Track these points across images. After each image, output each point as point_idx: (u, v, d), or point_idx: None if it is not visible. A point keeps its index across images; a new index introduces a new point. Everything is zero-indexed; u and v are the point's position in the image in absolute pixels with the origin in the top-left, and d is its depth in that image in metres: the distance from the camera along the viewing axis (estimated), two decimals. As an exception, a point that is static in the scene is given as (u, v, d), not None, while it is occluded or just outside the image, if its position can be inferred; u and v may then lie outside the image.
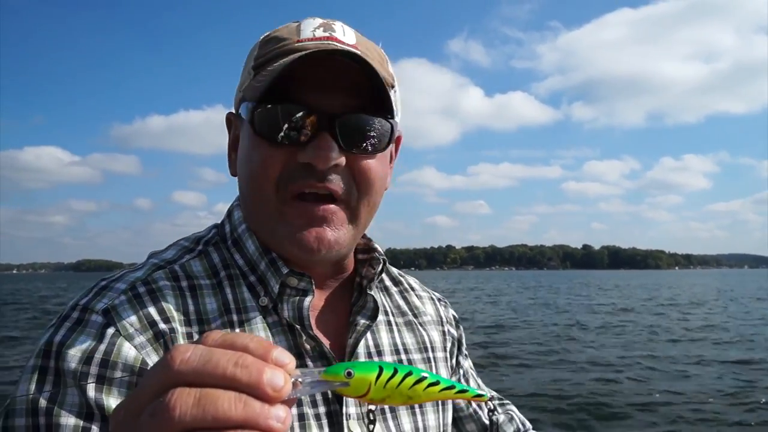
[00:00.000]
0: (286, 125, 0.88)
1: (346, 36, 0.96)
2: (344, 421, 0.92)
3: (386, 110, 0.92)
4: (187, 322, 0.87)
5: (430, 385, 0.57)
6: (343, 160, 0.90)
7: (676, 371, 10.94)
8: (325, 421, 0.91)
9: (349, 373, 0.54)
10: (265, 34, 1.00)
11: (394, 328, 1.09)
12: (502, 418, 1.24)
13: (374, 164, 0.94)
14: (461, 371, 1.25)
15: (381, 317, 1.06)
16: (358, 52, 0.90)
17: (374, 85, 0.90)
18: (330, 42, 0.93)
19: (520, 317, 22.47)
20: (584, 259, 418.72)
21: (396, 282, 1.19)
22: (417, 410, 1.03)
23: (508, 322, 20.19)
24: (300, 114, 0.88)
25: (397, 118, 0.97)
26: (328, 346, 0.95)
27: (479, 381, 1.31)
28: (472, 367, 1.32)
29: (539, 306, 28.95)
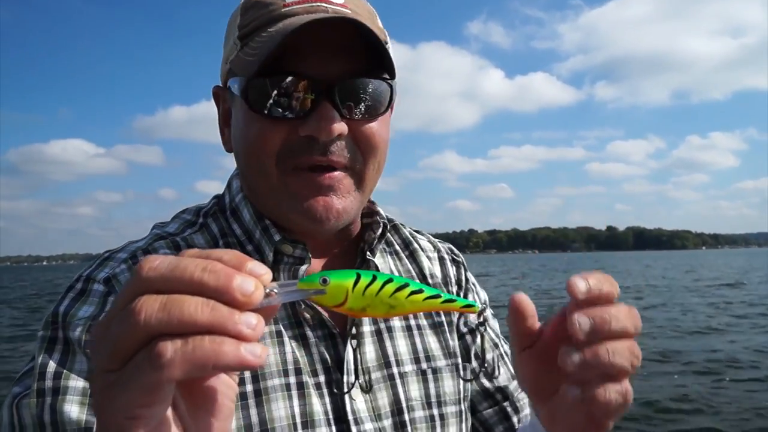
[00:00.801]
0: (283, 98, 0.84)
1: None
2: (346, 390, 0.90)
3: (385, 70, 0.90)
4: None
5: (413, 293, 0.55)
6: (345, 129, 0.86)
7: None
8: (325, 390, 0.89)
9: (324, 280, 0.52)
10: None
11: None
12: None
13: (377, 127, 0.91)
14: (473, 345, 1.09)
15: None
16: (349, 13, 0.88)
17: (372, 46, 0.87)
18: (319, 4, 0.88)
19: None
20: (609, 240, 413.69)
21: (407, 244, 1.13)
22: (429, 377, 0.99)
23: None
24: (297, 85, 0.84)
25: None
26: (327, 315, 0.93)
27: (507, 364, 1.13)
28: (498, 346, 1.14)
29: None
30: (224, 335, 0.45)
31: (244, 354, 0.45)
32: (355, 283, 0.53)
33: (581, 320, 0.58)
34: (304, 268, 0.93)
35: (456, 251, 1.21)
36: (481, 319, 0.62)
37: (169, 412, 0.50)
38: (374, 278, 0.54)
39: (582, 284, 0.59)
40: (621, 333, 0.59)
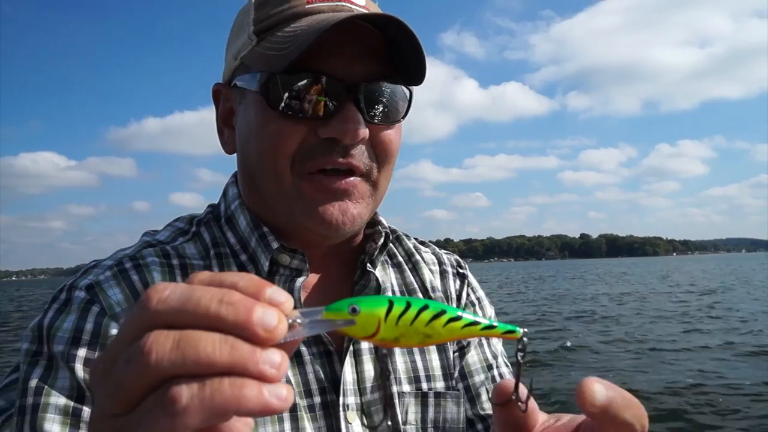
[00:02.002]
0: (304, 97, 0.80)
1: None
2: (341, 413, 0.85)
3: (412, 73, 0.86)
4: None
5: (451, 320, 0.49)
6: (368, 134, 0.83)
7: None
8: (320, 413, 0.84)
9: (354, 309, 0.46)
10: None
11: None
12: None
13: (394, 134, 0.89)
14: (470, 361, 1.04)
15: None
16: (380, 13, 0.84)
17: (399, 47, 0.83)
18: (344, 4, 0.86)
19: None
20: (582, 248, 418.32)
21: (410, 256, 1.08)
22: (430, 401, 0.93)
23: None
24: (320, 84, 0.80)
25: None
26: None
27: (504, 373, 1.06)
28: (492, 368, 1.06)
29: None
30: (245, 376, 0.38)
31: (268, 398, 0.38)
32: (388, 311, 0.47)
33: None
34: (300, 280, 0.88)
35: (462, 264, 1.15)
36: (520, 346, 0.53)
37: None
38: (408, 305, 0.47)
39: (600, 393, 0.47)
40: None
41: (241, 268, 0.88)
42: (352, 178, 0.85)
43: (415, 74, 0.86)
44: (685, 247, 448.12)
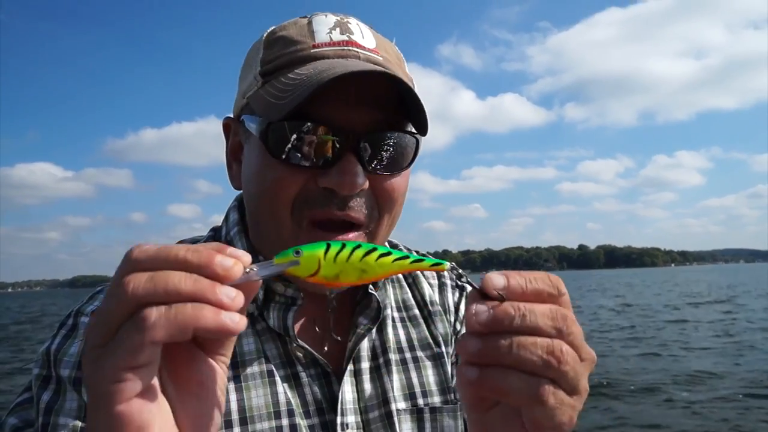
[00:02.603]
0: (304, 145, 0.80)
1: (365, 39, 0.87)
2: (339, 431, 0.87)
3: (415, 123, 0.86)
4: None
5: (382, 255, 0.56)
6: (367, 184, 0.83)
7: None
8: None
9: (297, 252, 0.56)
10: (270, 30, 0.90)
11: (399, 323, 1.01)
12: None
13: (398, 182, 0.88)
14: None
15: (390, 313, 1.00)
16: (381, 60, 0.85)
17: (401, 97, 0.83)
18: (351, 48, 0.85)
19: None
20: (580, 259, 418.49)
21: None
22: (426, 416, 0.94)
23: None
24: (321, 134, 0.80)
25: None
26: (324, 352, 0.90)
27: None
28: None
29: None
30: (206, 303, 0.49)
31: (223, 318, 0.49)
32: (326, 251, 0.56)
33: (478, 308, 0.55)
34: (294, 309, 0.90)
35: (463, 275, 1.03)
36: (455, 274, 0.59)
37: (158, 391, 0.53)
38: (344, 245, 0.56)
39: (499, 281, 0.56)
40: (532, 329, 0.54)
41: None
42: (350, 234, 0.85)
43: (416, 121, 0.86)
44: (683, 257, 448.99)
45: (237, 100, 0.93)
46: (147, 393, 0.51)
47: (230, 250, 0.52)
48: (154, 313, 0.48)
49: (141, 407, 0.50)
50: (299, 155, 0.80)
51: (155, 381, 0.52)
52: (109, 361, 0.49)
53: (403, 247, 1.09)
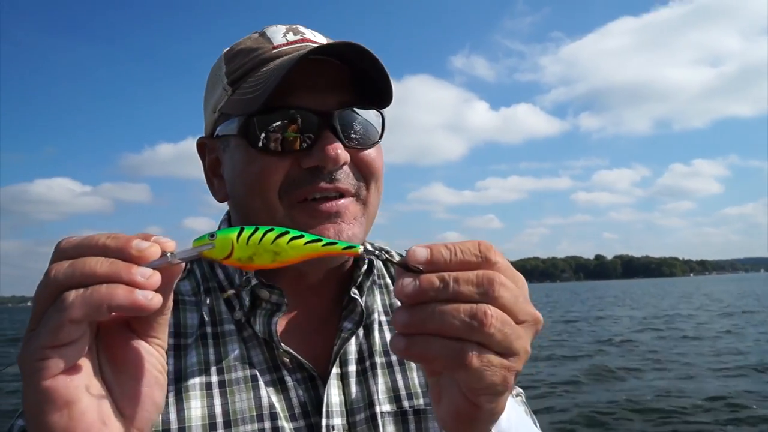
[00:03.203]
0: (283, 133, 0.85)
1: (316, 37, 0.95)
2: None
3: (380, 97, 0.91)
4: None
5: (294, 238, 0.58)
6: (348, 157, 0.88)
7: None
8: None
9: (211, 235, 0.58)
10: (227, 49, 0.97)
11: (386, 327, 1.02)
12: None
13: (375, 154, 0.93)
14: None
15: (377, 317, 1.01)
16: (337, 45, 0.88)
17: (364, 76, 0.89)
18: (306, 44, 0.92)
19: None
20: (597, 269, 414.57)
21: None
22: (410, 418, 0.95)
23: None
24: (297, 118, 0.85)
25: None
26: (310, 356, 0.92)
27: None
28: None
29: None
30: (121, 284, 0.53)
31: (136, 296, 0.52)
32: (239, 234, 0.57)
33: (404, 281, 0.57)
34: (278, 315, 0.92)
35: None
36: (374, 256, 0.62)
37: (92, 375, 0.57)
38: (257, 228, 0.58)
39: (422, 253, 0.57)
40: (455, 296, 0.56)
41: (228, 302, 0.94)
42: (342, 200, 0.88)
43: (381, 97, 0.91)
44: (702, 267, 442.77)
45: (207, 119, 0.98)
46: (73, 371, 0.55)
47: (155, 237, 0.56)
48: (72, 295, 0.52)
49: (67, 383, 0.53)
50: (279, 143, 0.85)
51: (85, 361, 0.56)
52: (34, 342, 0.53)
53: (395, 254, 1.07)
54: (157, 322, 0.61)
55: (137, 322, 0.60)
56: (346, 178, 0.89)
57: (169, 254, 0.56)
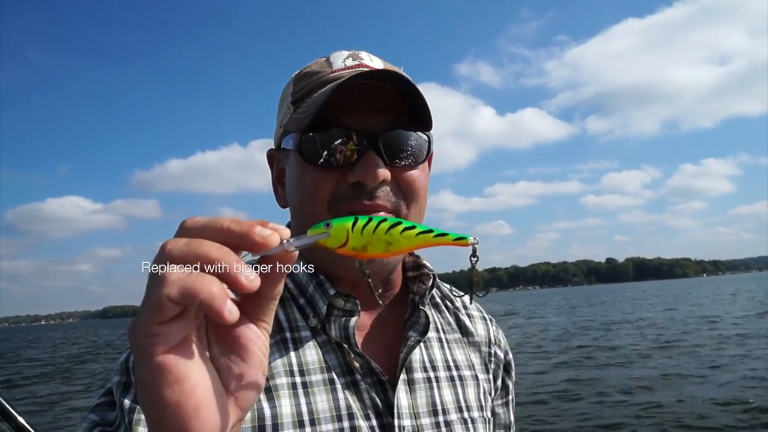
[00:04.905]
0: (332, 149, 0.94)
1: (373, 62, 1.05)
2: None
3: (422, 121, 0.98)
4: None
5: (406, 229, 0.60)
6: (389, 175, 0.95)
7: None
8: None
9: (327, 224, 0.60)
10: (297, 72, 1.08)
11: (445, 344, 1.13)
12: None
13: (417, 174, 1.00)
14: (509, 396, 1.26)
15: (432, 333, 1.11)
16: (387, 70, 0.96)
17: (410, 100, 0.96)
18: (360, 68, 1.00)
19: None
20: (609, 272, 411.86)
21: (447, 299, 1.22)
22: (470, 426, 1.05)
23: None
24: (345, 137, 0.94)
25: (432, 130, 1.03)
26: (377, 362, 0.99)
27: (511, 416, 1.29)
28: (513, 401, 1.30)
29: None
30: (225, 280, 0.52)
31: (221, 305, 0.51)
32: (354, 223, 0.60)
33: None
34: (354, 320, 0.99)
35: (485, 313, 1.29)
36: (476, 256, 0.66)
37: (202, 352, 0.57)
38: (370, 219, 0.60)
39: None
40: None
41: (301, 311, 1.01)
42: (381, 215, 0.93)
43: (424, 119, 0.98)
44: (715, 267, 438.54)
45: (276, 132, 1.09)
46: (183, 348, 0.54)
47: (271, 224, 0.56)
48: (175, 273, 0.51)
49: (177, 360, 0.53)
50: (329, 158, 0.94)
51: (195, 339, 0.56)
52: (141, 316, 0.52)
53: (445, 286, 1.26)
54: (268, 307, 0.62)
55: (249, 304, 0.61)
56: (385, 196, 0.96)
57: (285, 241, 0.56)
